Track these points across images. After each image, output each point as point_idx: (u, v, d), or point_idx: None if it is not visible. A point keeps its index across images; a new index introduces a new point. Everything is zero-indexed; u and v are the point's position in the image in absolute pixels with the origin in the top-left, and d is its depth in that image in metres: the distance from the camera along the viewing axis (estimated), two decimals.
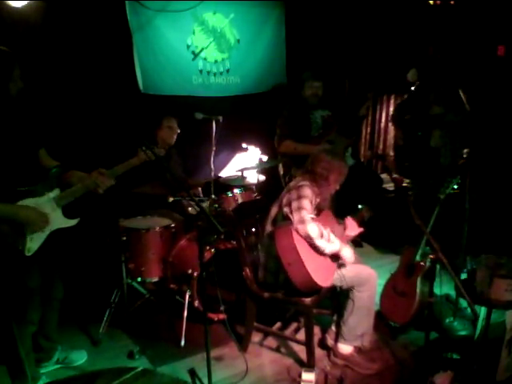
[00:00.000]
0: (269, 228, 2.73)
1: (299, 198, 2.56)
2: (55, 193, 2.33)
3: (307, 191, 2.60)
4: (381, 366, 2.69)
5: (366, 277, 2.67)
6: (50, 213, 2.30)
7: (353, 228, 2.82)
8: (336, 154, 2.82)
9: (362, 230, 2.84)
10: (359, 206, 2.97)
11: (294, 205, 2.55)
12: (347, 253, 2.61)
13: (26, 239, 2.19)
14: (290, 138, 3.81)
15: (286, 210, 2.60)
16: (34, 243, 2.22)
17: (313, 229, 2.47)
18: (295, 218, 2.51)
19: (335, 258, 2.64)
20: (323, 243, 2.51)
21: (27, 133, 2.32)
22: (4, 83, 2.18)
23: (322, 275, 2.52)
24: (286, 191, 2.71)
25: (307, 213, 2.51)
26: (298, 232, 2.51)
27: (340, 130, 3.93)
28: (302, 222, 2.48)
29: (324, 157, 2.73)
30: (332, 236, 2.58)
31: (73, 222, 2.39)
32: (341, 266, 2.66)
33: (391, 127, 5.75)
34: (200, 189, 3.94)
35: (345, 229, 2.80)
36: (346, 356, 2.72)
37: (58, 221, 2.33)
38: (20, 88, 2.25)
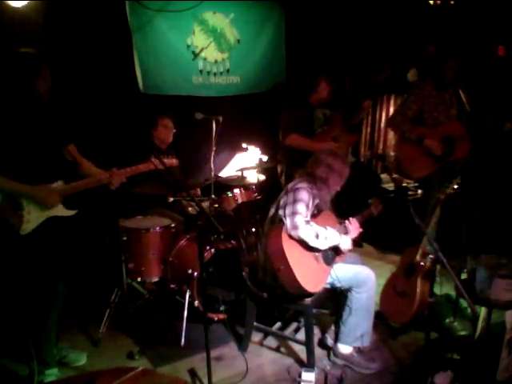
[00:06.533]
0: (267, 228, 2.73)
1: (295, 201, 2.55)
2: (59, 184, 2.45)
3: (303, 194, 2.59)
4: (381, 366, 2.69)
5: (364, 278, 2.66)
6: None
7: (354, 231, 2.78)
8: (337, 156, 2.77)
9: (361, 230, 2.80)
10: (369, 201, 2.89)
11: (289, 209, 2.54)
12: (345, 244, 2.64)
13: (22, 220, 2.31)
14: (295, 132, 3.80)
15: (280, 212, 2.60)
16: (29, 225, 2.34)
17: (306, 232, 2.47)
18: (288, 223, 2.50)
19: (334, 249, 2.66)
20: (319, 243, 2.52)
21: (54, 129, 2.46)
22: (30, 82, 2.32)
23: (312, 281, 2.52)
24: (284, 192, 2.70)
25: (301, 217, 2.49)
26: (291, 237, 2.50)
27: (344, 127, 3.93)
28: (295, 227, 2.47)
29: (324, 159, 2.70)
30: (329, 232, 2.57)
31: (71, 213, 2.50)
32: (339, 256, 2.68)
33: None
34: (199, 189, 3.93)
35: (347, 232, 2.75)
36: (345, 356, 2.72)
37: (57, 209, 2.45)
38: (49, 87, 2.39)
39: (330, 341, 2.86)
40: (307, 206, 2.57)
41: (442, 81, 3.55)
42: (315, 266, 2.59)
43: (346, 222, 2.76)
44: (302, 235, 2.47)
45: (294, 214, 2.51)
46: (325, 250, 2.64)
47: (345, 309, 2.69)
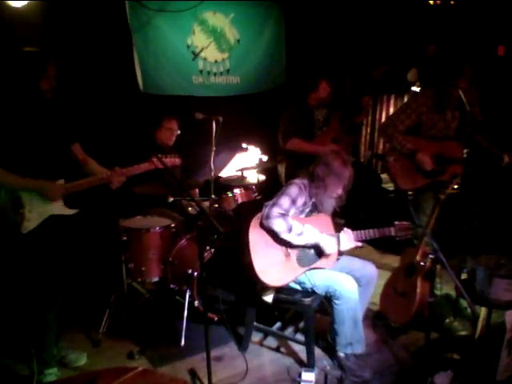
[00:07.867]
0: None
1: (281, 194, 2.58)
2: (59, 182, 2.45)
3: (292, 189, 2.60)
4: (371, 375, 2.60)
5: (341, 290, 2.52)
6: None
7: (346, 243, 2.64)
8: (339, 156, 2.69)
9: (358, 245, 2.69)
10: (395, 222, 2.65)
11: (272, 200, 2.56)
12: (328, 246, 2.55)
13: (24, 218, 2.32)
14: (296, 136, 3.79)
15: (266, 203, 2.60)
16: (30, 223, 2.34)
17: (278, 224, 2.46)
18: (264, 212, 2.51)
19: (317, 250, 2.60)
20: (291, 237, 2.50)
21: (57, 129, 2.47)
22: (34, 81, 2.32)
23: (272, 273, 2.50)
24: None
25: (278, 209, 2.49)
26: (262, 226, 2.51)
27: (343, 128, 3.92)
28: (268, 217, 2.48)
29: (324, 158, 2.69)
30: (306, 229, 2.52)
31: (71, 212, 2.51)
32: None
33: None
34: (197, 190, 3.92)
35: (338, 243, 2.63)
36: (341, 360, 2.67)
37: (58, 208, 2.45)
38: (53, 86, 2.39)
39: (321, 345, 2.85)
40: (292, 201, 2.57)
41: (445, 102, 3.31)
42: (281, 261, 2.55)
43: (342, 231, 2.65)
44: (272, 226, 2.47)
45: (273, 204, 2.52)
46: (303, 251, 2.60)
47: (332, 317, 2.64)
